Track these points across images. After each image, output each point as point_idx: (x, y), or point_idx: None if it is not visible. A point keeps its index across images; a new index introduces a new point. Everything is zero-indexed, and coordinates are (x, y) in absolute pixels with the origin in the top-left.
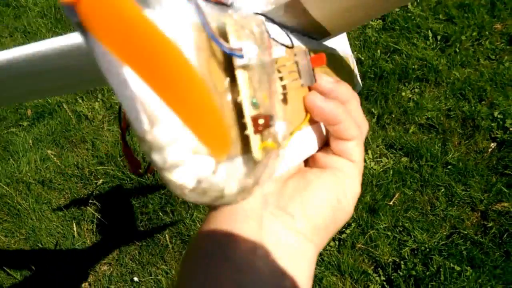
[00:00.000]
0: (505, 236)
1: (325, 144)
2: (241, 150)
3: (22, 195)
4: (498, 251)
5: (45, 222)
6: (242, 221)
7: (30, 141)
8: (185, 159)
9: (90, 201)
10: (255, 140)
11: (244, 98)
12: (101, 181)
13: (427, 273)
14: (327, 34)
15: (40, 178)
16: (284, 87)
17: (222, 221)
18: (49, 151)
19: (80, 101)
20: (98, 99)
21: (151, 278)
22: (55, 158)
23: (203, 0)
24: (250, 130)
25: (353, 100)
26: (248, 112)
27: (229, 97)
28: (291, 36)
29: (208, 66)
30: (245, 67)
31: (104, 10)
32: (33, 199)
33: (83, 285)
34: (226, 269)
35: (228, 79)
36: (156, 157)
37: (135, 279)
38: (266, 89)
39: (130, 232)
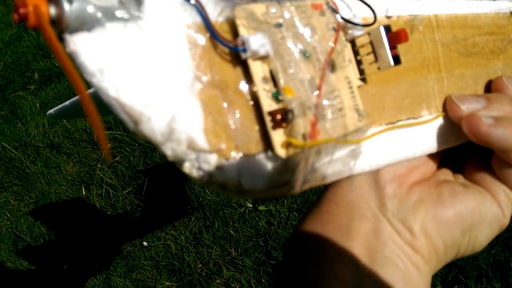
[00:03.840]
0: None
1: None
2: (264, 147)
3: (31, 159)
4: None
5: (54, 186)
6: (358, 219)
7: (38, 105)
8: (182, 155)
9: (99, 165)
10: (276, 136)
11: (259, 90)
12: (109, 146)
13: None
14: None
15: (48, 142)
16: (362, 71)
17: (339, 213)
18: None
19: None
20: None
21: (160, 243)
22: (64, 122)
23: None
24: (268, 126)
25: None
26: (266, 107)
27: (245, 92)
28: (376, 11)
29: (210, 63)
30: (262, 58)
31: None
32: (41, 163)
33: (92, 249)
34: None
35: (242, 74)
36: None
37: (145, 243)
38: (299, 79)
39: (139, 197)
